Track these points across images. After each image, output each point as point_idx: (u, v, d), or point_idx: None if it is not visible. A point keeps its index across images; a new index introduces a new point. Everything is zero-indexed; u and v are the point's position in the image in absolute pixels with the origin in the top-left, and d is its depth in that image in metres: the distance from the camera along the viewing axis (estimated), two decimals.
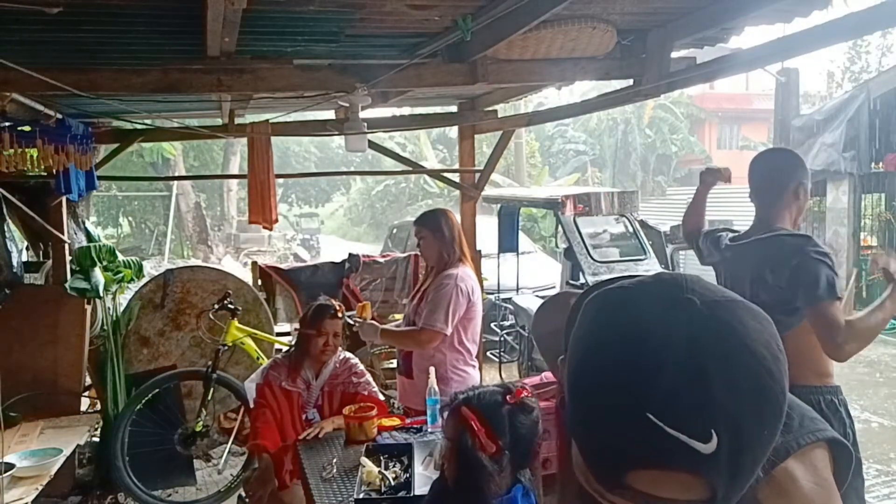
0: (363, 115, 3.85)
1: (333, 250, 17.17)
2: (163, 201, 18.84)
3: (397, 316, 4.49)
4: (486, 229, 6.47)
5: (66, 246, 4.37)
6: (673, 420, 0.58)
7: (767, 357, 0.62)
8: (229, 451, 4.25)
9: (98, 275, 4.26)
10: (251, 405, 3.24)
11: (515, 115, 6.18)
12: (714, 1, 2.67)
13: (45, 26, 2.47)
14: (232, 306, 4.17)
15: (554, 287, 7.80)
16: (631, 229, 6.92)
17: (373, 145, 4.50)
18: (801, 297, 2.19)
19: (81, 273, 4.25)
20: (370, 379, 3.22)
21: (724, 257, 2.59)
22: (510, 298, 6.97)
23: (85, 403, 4.35)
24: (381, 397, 3.28)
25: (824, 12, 2.65)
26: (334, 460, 2.57)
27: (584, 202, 6.42)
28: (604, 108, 5.04)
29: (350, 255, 5.24)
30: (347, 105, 3.78)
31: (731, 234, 2.68)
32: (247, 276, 5.32)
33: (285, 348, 3.58)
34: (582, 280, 6.23)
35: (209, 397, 4.13)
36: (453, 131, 11.08)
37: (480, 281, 4.14)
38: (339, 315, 3.12)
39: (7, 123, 3.07)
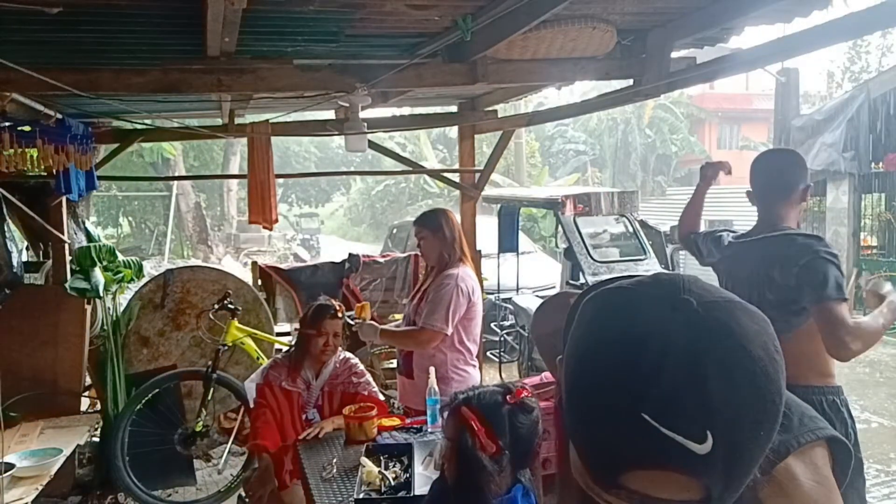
0: (363, 115, 3.85)
1: (333, 250, 17.18)
2: (163, 201, 18.85)
3: (397, 316, 4.49)
4: (486, 229, 6.47)
5: (66, 246, 4.37)
6: (668, 420, 0.59)
7: (764, 358, 0.62)
8: (229, 451, 4.25)
9: (98, 275, 4.26)
10: (251, 405, 3.24)
11: (515, 115, 6.18)
12: (714, 1, 2.67)
13: (45, 26, 2.47)
14: (232, 306, 4.17)
15: (554, 287, 7.80)
16: (631, 229, 6.92)
17: (373, 145, 4.50)
18: (808, 295, 2.19)
19: (81, 273, 4.24)
20: (370, 379, 3.22)
21: (727, 256, 2.58)
22: (510, 298, 6.97)
23: (85, 403, 4.35)
24: (381, 397, 3.28)
25: (824, 12, 2.65)
26: (334, 460, 2.57)
27: (584, 202, 6.42)
28: (604, 108, 5.04)
29: (350, 255, 5.24)
30: (347, 105, 3.78)
31: (733, 234, 2.68)
32: (247, 276, 5.32)
33: (285, 348, 3.58)
34: (582, 280, 6.23)
35: (209, 397, 4.13)
36: (453, 131, 11.08)
37: (480, 281, 4.14)
38: (339, 315, 3.12)
39: (7, 123, 3.06)
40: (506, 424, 1.70)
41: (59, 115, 3.87)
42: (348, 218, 27.77)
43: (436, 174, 7.33)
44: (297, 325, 3.76)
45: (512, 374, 6.73)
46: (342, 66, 3.21)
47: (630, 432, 0.60)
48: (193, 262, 15.68)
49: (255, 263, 5.24)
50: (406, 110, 6.16)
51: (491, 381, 4.92)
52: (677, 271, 6.62)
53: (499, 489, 1.69)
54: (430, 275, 3.27)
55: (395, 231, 11.53)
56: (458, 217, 3.58)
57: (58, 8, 2.14)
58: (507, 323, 7.01)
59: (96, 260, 4.30)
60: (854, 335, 2.13)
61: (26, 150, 3.14)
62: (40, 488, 2.87)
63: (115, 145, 4.42)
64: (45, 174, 3.50)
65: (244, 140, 4.36)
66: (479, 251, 5.00)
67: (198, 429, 4.17)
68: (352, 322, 3.37)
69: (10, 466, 2.86)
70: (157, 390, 4.10)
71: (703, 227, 2.92)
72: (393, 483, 2.29)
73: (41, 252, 4.62)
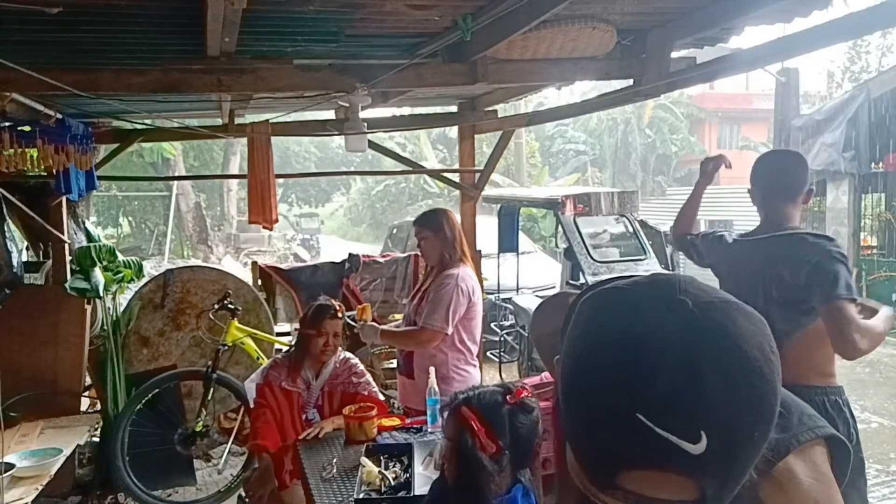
0: (363, 115, 3.85)
1: (333, 250, 17.18)
2: (163, 201, 18.85)
3: (397, 316, 4.49)
4: (486, 229, 6.47)
5: (66, 246, 4.37)
6: (663, 421, 0.59)
7: (759, 359, 0.62)
8: (229, 451, 4.25)
9: (98, 275, 4.26)
10: (251, 405, 3.24)
11: (515, 115, 6.18)
12: (714, 1, 2.67)
13: (45, 26, 2.47)
14: (232, 306, 4.17)
15: (554, 287, 7.80)
16: (631, 229, 6.92)
17: (373, 145, 4.50)
18: (818, 294, 2.19)
19: (81, 273, 4.24)
20: (370, 379, 3.22)
21: (729, 255, 2.57)
22: (510, 298, 6.97)
23: (85, 403, 4.35)
24: (381, 397, 3.28)
25: (824, 12, 2.65)
26: (334, 460, 2.57)
27: (584, 202, 6.42)
28: (604, 108, 5.04)
29: (350, 255, 5.24)
30: (347, 105, 3.78)
31: (734, 234, 2.67)
32: (247, 276, 5.32)
33: (285, 348, 3.58)
34: (582, 280, 6.23)
35: (209, 397, 4.13)
36: (453, 131, 11.08)
37: (480, 281, 4.14)
38: (339, 315, 3.12)
39: (7, 123, 3.06)
40: (506, 424, 1.70)
41: (59, 115, 3.87)
42: (348, 218, 27.78)
43: (436, 174, 7.33)
44: (297, 325, 3.76)
45: (512, 374, 6.73)
46: (342, 66, 3.21)
47: (625, 432, 0.60)
48: (193, 262, 15.68)
49: (255, 263, 5.24)
50: (406, 110, 6.16)
51: (491, 381, 4.92)
52: (677, 271, 6.64)
53: (499, 489, 1.69)
54: (430, 275, 3.27)
55: (395, 231, 11.53)
56: (458, 217, 3.58)
57: (58, 8, 2.14)
58: (507, 323, 7.01)
59: (96, 260, 4.30)
60: (862, 334, 2.14)
61: (26, 150, 3.14)
62: (40, 488, 2.87)
63: (115, 145, 4.42)
64: (45, 174, 3.50)
65: (244, 140, 4.36)
66: (479, 251, 5.00)
67: (198, 429, 4.17)
68: (353, 323, 3.37)
69: (10, 466, 2.86)
70: (157, 390, 4.10)
71: (702, 227, 2.92)
72: (393, 483, 2.29)
73: (41, 252, 4.62)
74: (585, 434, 0.66)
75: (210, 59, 2.95)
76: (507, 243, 7.06)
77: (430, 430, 2.74)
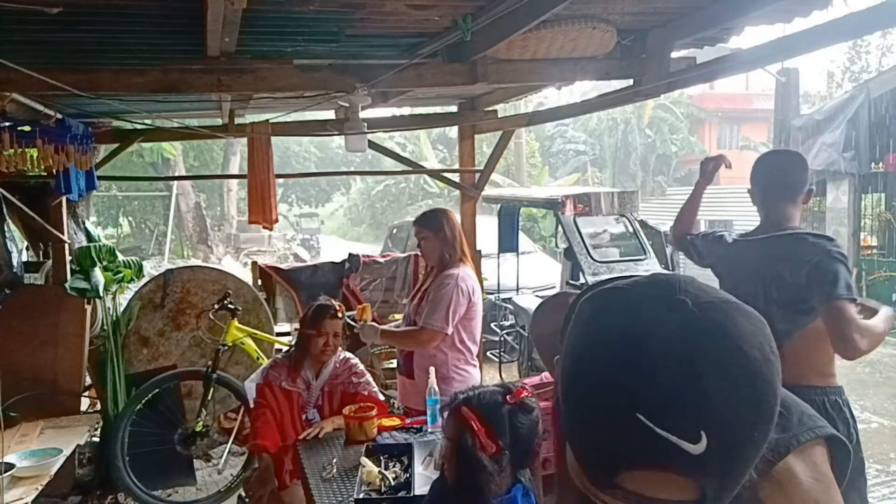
0: (363, 115, 3.85)
1: (333, 250, 17.18)
2: (163, 201, 18.85)
3: (397, 316, 4.49)
4: (486, 229, 6.47)
5: (66, 246, 4.37)
6: (663, 421, 0.59)
7: (759, 359, 0.62)
8: (229, 451, 4.25)
9: (98, 275, 4.26)
10: (251, 405, 3.24)
11: (515, 115, 6.18)
12: (714, 1, 2.67)
13: (45, 26, 2.47)
14: (232, 306, 4.17)
15: (554, 287, 7.80)
16: (631, 229, 6.92)
17: (373, 145, 4.50)
18: (817, 294, 2.19)
19: (81, 273, 4.24)
20: (370, 379, 3.22)
21: (730, 255, 2.56)
22: (510, 298, 6.97)
23: (85, 403, 4.35)
24: (381, 397, 3.28)
25: (824, 12, 2.65)
26: (334, 460, 2.57)
27: (584, 202, 6.42)
28: (604, 108, 5.04)
29: (350, 255, 5.24)
30: (347, 105, 3.78)
31: (734, 233, 2.67)
32: (247, 276, 5.32)
33: (285, 348, 3.58)
34: (582, 280, 6.23)
35: (209, 397, 4.13)
36: (453, 131, 11.08)
37: (480, 281, 4.14)
38: (339, 315, 3.12)
39: (7, 123, 3.06)
40: (506, 424, 1.70)
41: (59, 115, 3.87)
42: (348, 218, 27.77)
43: (436, 174, 7.33)
44: (297, 325, 3.76)
45: (512, 374, 6.73)
46: (342, 66, 3.21)
47: (625, 432, 0.60)
48: (193, 262, 15.68)
49: (255, 263, 5.24)
50: (406, 110, 6.16)
51: (491, 381, 4.92)
52: (677, 271, 6.64)
53: (499, 489, 1.69)
54: (430, 275, 3.27)
55: (395, 231, 11.53)
56: (458, 217, 3.58)
57: (58, 8, 2.14)
58: (507, 323, 7.01)
59: (96, 260, 4.30)
60: (862, 334, 2.14)
61: (26, 150, 3.14)
62: (40, 488, 2.87)
63: (115, 145, 4.42)
64: (45, 174, 3.50)
65: (244, 140, 4.36)
66: (479, 251, 5.00)
67: (198, 429, 4.17)
68: (353, 324, 3.37)
69: (10, 466, 2.86)
70: (157, 390, 4.10)
71: (703, 227, 2.92)
72: (393, 483, 2.29)
73: (41, 252, 4.62)
74: (585, 434, 0.66)
75: (210, 59, 2.95)
76: (507, 243, 7.06)
77: (430, 430, 2.74)
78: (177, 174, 15.91)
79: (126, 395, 4.24)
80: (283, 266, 5.33)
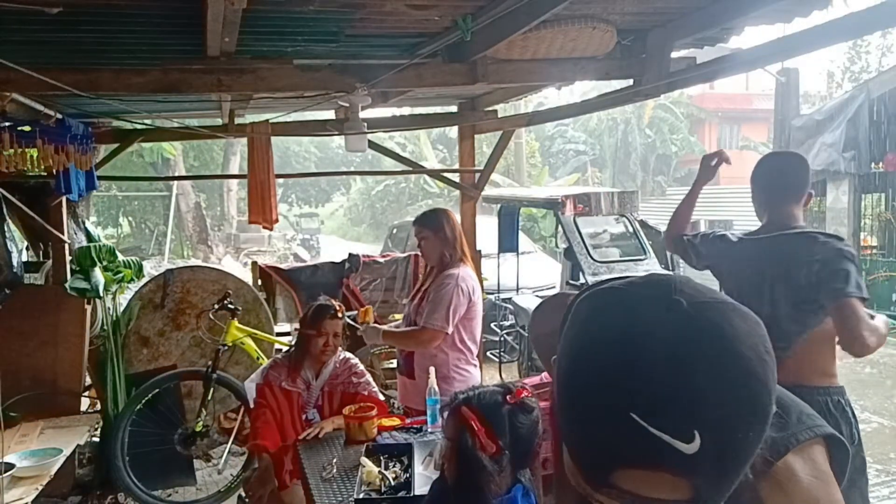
0: (363, 115, 3.85)
1: (333, 250, 17.18)
2: (163, 201, 18.85)
3: (397, 316, 4.49)
4: (486, 229, 6.47)
5: (66, 246, 4.37)
6: (656, 420, 0.59)
7: (754, 359, 0.62)
8: (229, 451, 4.25)
9: (98, 275, 4.26)
10: (251, 405, 3.24)
11: (515, 115, 6.18)
12: (714, 1, 2.67)
13: (45, 26, 2.47)
14: (232, 306, 4.17)
15: (554, 287, 7.80)
16: (631, 229, 6.92)
17: (373, 145, 4.50)
18: (828, 291, 2.19)
19: (81, 273, 4.25)
20: (370, 379, 3.22)
21: (734, 254, 2.54)
22: (510, 298, 6.97)
23: (85, 403, 4.35)
24: (381, 397, 3.28)
25: (824, 12, 2.65)
26: (334, 460, 2.57)
27: (584, 202, 6.42)
28: (604, 108, 5.04)
29: (350, 255, 5.24)
30: (347, 105, 3.78)
31: (738, 233, 2.65)
32: (247, 276, 5.32)
33: (285, 348, 3.58)
34: (582, 280, 6.23)
35: (209, 397, 4.13)
36: (453, 131, 11.08)
37: (480, 281, 4.14)
38: (339, 315, 3.12)
39: (7, 123, 3.06)
40: (506, 424, 1.70)
41: (59, 115, 3.88)
42: (348, 218, 27.77)
43: (436, 174, 7.33)
44: (297, 325, 3.76)
45: (512, 374, 6.73)
46: (342, 66, 3.21)
47: (619, 432, 0.60)
48: (193, 262, 15.69)
49: (255, 263, 5.24)
50: (406, 110, 6.16)
51: (491, 381, 4.92)
52: (677, 272, 6.63)
53: (499, 489, 1.69)
54: (430, 275, 3.27)
55: (395, 231, 11.53)
56: (458, 217, 3.58)
57: (58, 8, 2.14)
58: (507, 323, 7.01)
59: (96, 260, 4.30)
60: (871, 332, 2.14)
61: (26, 150, 3.14)
62: (40, 488, 2.87)
63: (115, 145, 4.42)
64: (45, 174, 3.50)
65: (244, 140, 4.36)
66: (479, 251, 5.00)
67: (198, 429, 4.17)
68: (356, 325, 3.38)
69: (10, 466, 2.86)
70: (157, 390, 4.10)
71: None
72: (393, 483, 2.29)
73: (41, 252, 4.62)
74: (580, 433, 0.66)
75: (210, 59, 2.95)
76: (507, 243, 7.06)
77: (430, 430, 2.74)
78: (177, 174, 15.91)
79: (126, 395, 4.24)
80: (283, 266, 5.33)
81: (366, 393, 3.10)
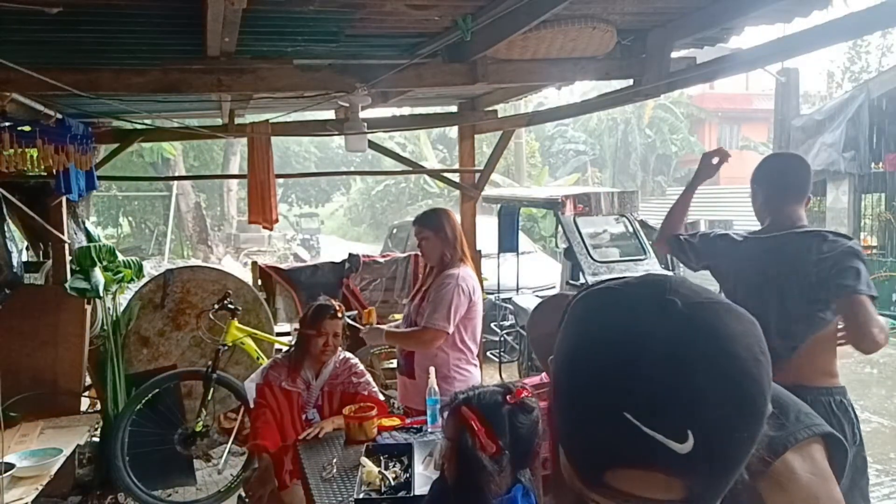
0: (363, 115, 3.85)
1: (333, 250, 17.18)
2: (163, 201, 18.85)
3: (397, 316, 4.49)
4: (486, 229, 6.47)
5: (66, 246, 4.37)
6: (650, 420, 0.59)
7: (748, 359, 0.62)
8: (229, 451, 4.25)
9: (98, 275, 4.26)
10: (251, 405, 3.24)
11: (515, 115, 6.18)
12: (714, 1, 2.67)
13: (45, 26, 2.47)
14: (232, 306, 4.17)
15: (554, 287, 7.80)
16: (631, 229, 6.92)
17: (373, 145, 4.50)
18: (838, 289, 2.19)
19: (81, 273, 4.25)
20: (370, 379, 3.22)
21: (739, 254, 2.52)
22: (510, 298, 6.97)
23: (85, 403, 4.35)
24: (381, 397, 3.28)
25: (824, 12, 2.65)
26: (334, 460, 2.57)
27: (584, 202, 6.42)
28: (604, 108, 5.04)
29: (350, 255, 5.24)
30: (347, 105, 3.78)
31: (741, 232, 2.64)
32: (247, 276, 5.32)
33: (285, 348, 3.58)
34: (582, 280, 6.23)
35: (209, 397, 4.13)
36: (453, 131, 11.08)
37: (480, 281, 4.14)
38: (339, 315, 3.12)
39: (7, 123, 3.06)
40: (506, 424, 1.70)
41: (59, 115, 3.88)
42: (348, 218, 27.77)
43: (436, 174, 7.33)
44: (297, 325, 3.76)
45: (512, 374, 6.73)
46: (342, 66, 3.21)
47: (613, 431, 0.61)
48: (193, 262, 15.69)
49: (255, 263, 5.24)
50: (406, 110, 6.16)
51: (491, 381, 4.92)
52: (677, 272, 6.63)
53: (499, 489, 1.69)
54: (430, 275, 3.27)
55: (395, 231, 11.53)
56: (458, 217, 3.58)
57: (58, 8, 2.14)
58: (507, 323, 7.01)
59: (96, 260, 4.30)
60: (881, 329, 2.15)
61: (26, 150, 3.14)
62: (40, 488, 2.87)
63: (115, 145, 4.42)
64: (45, 174, 3.50)
65: (244, 140, 4.36)
66: (479, 251, 5.00)
67: (198, 429, 4.17)
68: (359, 327, 3.39)
69: (10, 466, 2.86)
70: (157, 390, 4.10)
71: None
72: (393, 483, 2.29)
73: (41, 252, 4.62)
74: (574, 432, 0.67)
75: (210, 59, 2.95)
76: (507, 243, 7.06)
77: (430, 430, 2.74)
78: (177, 174, 15.91)
79: (126, 395, 4.24)
80: (283, 266, 5.33)
81: (366, 393, 3.10)
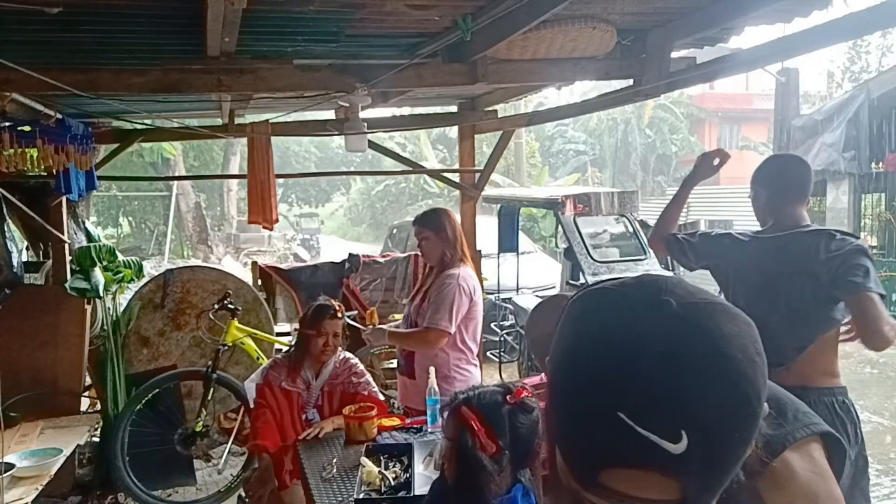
0: (363, 115, 3.85)
1: (333, 250, 17.18)
2: (163, 201, 18.85)
3: (397, 316, 4.49)
4: (486, 229, 6.47)
5: (66, 246, 4.37)
6: (644, 420, 0.59)
7: (742, 360, 0.62)
8: (229, 451, 4.25)
9: (98, 275, 4.26)
10: (251, 405, 3.24)
11: (515, 115, 6.18)
12: (714, 1, 2.67)
13: (45, 26, 2.47)
14: (232, 306, 4.17)
15: (554, 287, 7.80)
16: (631, 229, 6.92)
17: (373, 145, 4.50)
18: (847, 286, 2.19)
19: (81, 273, 4.24)
20: (370, 379, 3.22)
21: (743, 253, 2.51)
22: (510, 298, 6.97)
23: (85, 403, 4.35)
24: (381, 397, 3.28)
25: (824, 12, 2.65)
26: (334, 460, 2.57)
27: (584, 202, 6.42)
28: (604, 108, 5.04)
29: (350, 255, 5.24)
30: (347, 105, 3.78)
31: (747, 231, 2.63)
32: (247, 276, 5.32)
33: (285, 348, 3.58)
34: (582, 280, 6.23)
35: (209, 397, 4.13)
36: (453, 131, 11.08)
37: (480, 281, 4.14)
38: (339, 315, 3.12)
39: (7, 123, 3.06)
40: (506, 424, 1.70)
41: (59, 115, 3.88)
42: (348, 218, 27.78)
43: (436, 174, 7.33)
44: (297, 325, 3.76)
45: (512, 374, 6.73)
46: (342, 66, 3.21)
47: (607, 431, 0.61)
48: (193, 262, 15.69)
49: (255, 263, 5.24)
50: (406, 110, 6.17)
51: (491, 381, 4.92)
52: (677, 272, 6.63)
53: (499, 489, 1.69)
54: (430, 275, 3.27)
55: (395, 231, 11.53)
56: (458, 217, 3.58)
57: (58, 8, 2.14)
58: (507, 323, 7.01)
59: (96, 260, 4.30)
60: (891, 326, 2.16)
61: (26, 150, 3.14)
62: (40, 488, 2.87)
63: (115, 145, 4.42)
64: (45, 174, 3.50)
65: (244, 140, 4.36)
66: (479, 251, 5.00)
67: (198, 429, 4.17)
68: (362, 328, 3.39)
69: (10, 466, 2.86)
70: (157, 390, 4.10)
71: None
72: (393, 483, 2.29)
73: (41, 252, 4.62)
74: (569, 432, 0.67)
75: (210, 59, 2.95)
76: (507, 243, 7.06)
77: (430, 430, 2.74)
78: (177, 174, 15.91)
79: (126, 395, 4.24)
80: (283, 266, 5.33)
81: (366, 393, 3.10)
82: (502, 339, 6.90)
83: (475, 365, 3.28)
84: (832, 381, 2.34)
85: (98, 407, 4.44)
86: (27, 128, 3.18)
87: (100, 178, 4.29)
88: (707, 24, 2.82)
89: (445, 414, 1.79)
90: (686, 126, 23.30)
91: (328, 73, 3.20)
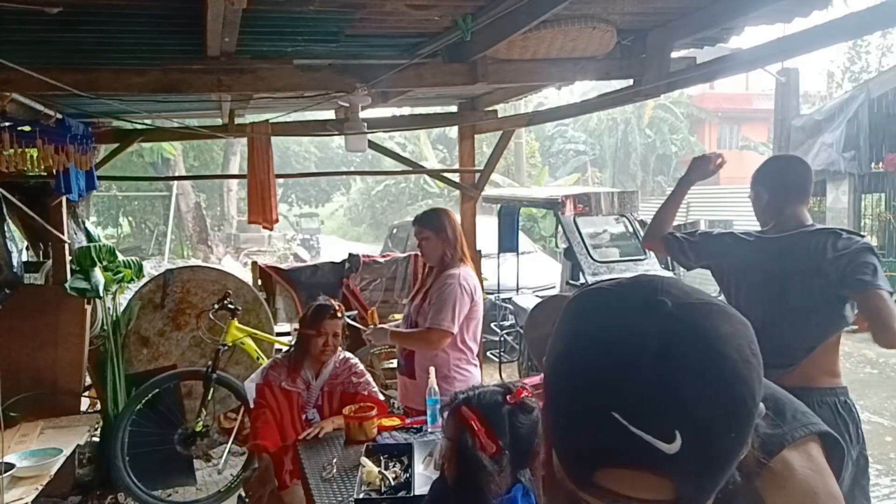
0: (363, 115, 3.85)
1: (333, 250, 17.18)
2: (163, 201, 18.85)
3: (397, 316, 4.49)
4: (486, 229, 6.47)
5: (66, 246, 4.37)
6: (638, 420, 0.59)
7: (738, 360, 0.62)
8: (229, 451, 4.25)
9: (98, 275, 4.26)
10: (251, 405, 3.24)
11: (515, 115, 6.18)
12: (714, 1, 2.67)
13: (45, 26, 2.47)
14: (232, 306, 4.17)
15: (554, 287, 7.80)
16: (631, 229, 6.92)
17: (373, 145, 4.50)
18: (856, 284, 2.19)
19: (81, 273, 4.24)
20: (370, 379, 3.22)
21: (746, 253, 2.49)
22: (510, 298, 6.97)
23: (85, 403, 4.35)
24: (381, 397, 3.28)
25: (824, 12, 2.65)
26: (334, 460, 2.57)
27: (584, 202, 6.42)
28: (604, 108, 5.04)
29: (350, 255, 5.24)
30: (347, 105, 3.78)
31: (752, 231, 2.62)
32: (247, 276, 5.32)
33: (285, 348, 3.58)
34: (582, 280, 6.23)
35: (209, 397, 4.13)
36: (453, 131, 11.08)
37: (480, 281, 4.14)
38: (339, 315, 3.12)
39: (7, 123, 3.06)
40: (506, 424, 1.70)
41: (59, 115, 3.88)
42: (348, 218, 27.78)
43: (436, 174, 7.33)
44: (297, 325, 3.76)
45: (512, 374, 6.73)
46: (342, 66, 3.21)
47: (601, 431, 0.61)
48: (193, 262, 15.68)
49: (255, 263, 5.24)
50: (406, 110, 6.16)
51: (491, 381, 4.92)
52: (677, 272, 6.63)
53: (499, 489, 1.69)
54: (430, 275, 3.27)
55: (395, 231, 11.53)
56: (458, 217, 3.58)
57: (58, 8, 2.14)
58: (507, 323, 7.01)
59: (96, 260, 4.30)
60: None
61: (26, 150, 3.14)
62: (40, 488, 2.87)
63: (115, 145, 4.42)
64: (45, 174, 3.50)
65: (244, 140, 4.36)
66: (479, 251, 5.00)
67: (198, 429, 4.17)
68: (363, 328, 3.39)
69: (10, 466, 2.86)
70: (157, 390, 4.10)
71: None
72: (393, 483, 2.29)
73: (41, 252, 4.62)
74: (565, 432, 0.67)
75: (210, 59, 2.95)
76: (507, 243, 7.06)
77: (430, 430, 2.74)
78: (177, 174, 15.90)
79: (126, 395, 4.24)
80: (283, 266, 5.33)
81: (366, 393, 3.10)
82: (502, 339, 6.90)
83: (475, 365, 3.28)
84: (834, 382, 2.35)
85: (98, 407, 4.44)
86: (27, 128, 3.18)
87: (100, 178, 4.29)
88: (707, 24, 2.82)
89: (445, 414, 1.79)
90: (686, 126, 23.31)
91: (328, 73, 3.20)
